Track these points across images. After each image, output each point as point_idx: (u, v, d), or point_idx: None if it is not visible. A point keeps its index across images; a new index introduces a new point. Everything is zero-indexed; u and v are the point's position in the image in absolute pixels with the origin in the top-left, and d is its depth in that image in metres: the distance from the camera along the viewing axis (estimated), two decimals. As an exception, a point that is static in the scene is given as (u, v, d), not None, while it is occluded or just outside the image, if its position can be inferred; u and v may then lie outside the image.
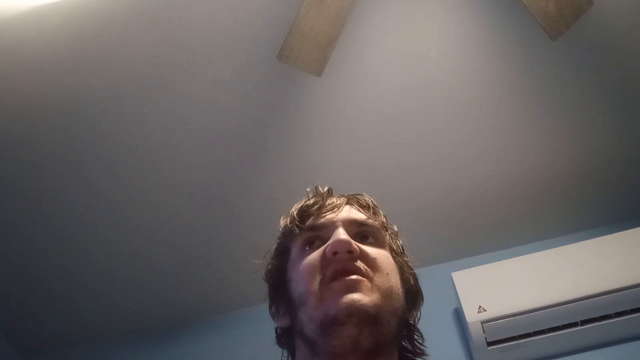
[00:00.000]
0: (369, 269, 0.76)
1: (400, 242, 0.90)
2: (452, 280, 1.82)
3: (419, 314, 0.86)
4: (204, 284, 2.11)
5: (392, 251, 0.85)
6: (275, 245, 0.90)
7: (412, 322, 0.85)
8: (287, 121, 1.84)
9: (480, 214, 2.01)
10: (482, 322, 1.69)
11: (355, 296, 0.72)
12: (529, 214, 2.01)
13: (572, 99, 1.84)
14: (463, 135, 1.89)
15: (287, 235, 0.87)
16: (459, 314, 1.86)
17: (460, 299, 1.76)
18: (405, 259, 0.88)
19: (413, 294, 0.84)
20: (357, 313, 0.71)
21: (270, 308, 0.86)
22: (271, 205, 1.96)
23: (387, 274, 0.78)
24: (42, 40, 1.65)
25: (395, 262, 0.83)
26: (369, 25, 1.70)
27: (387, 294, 0.75)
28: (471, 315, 1.71)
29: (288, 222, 0.87)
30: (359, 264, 0.76)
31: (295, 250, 0.84)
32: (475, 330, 1.70)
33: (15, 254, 2.01)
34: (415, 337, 0.85)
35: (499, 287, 1.75)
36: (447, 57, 1.77)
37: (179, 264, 2.06)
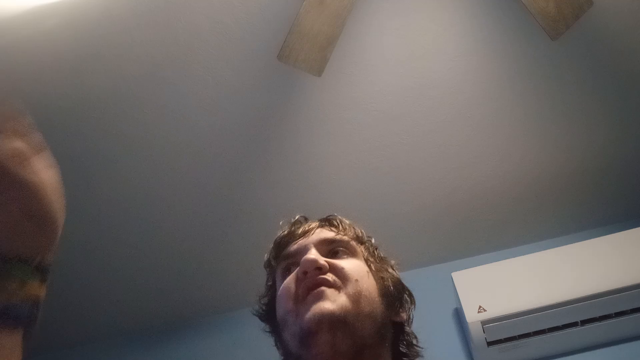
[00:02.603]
0: (337, 279, 0.81)
1: (378, 252, 0.94)
2: (452, 280, 1.82)
3: (411, 315, 0.89)
4: (205, 284, 2.11)
5: (367, 260, 0.89)
6: (266, 281, 0.94)
7: (405, 325, 0.87)
8: (287, 121, 1.84)
9: (480, 214, 2.01)
10: (482, 322, 1.69)
11: (321, 304, 0.77)
12: (529, 214, 2.02)
13: (572, 98, 1.84)
14: (463, 135, 1.89)
15: (269, 270, 0.93)
16: (459, 314, 1.86)
17: (460, 299, 1.76)
18: (384, 265, 0.91)
19: (395, 297, 0.87)
20: (326, 319, 0.75)
21: (275, 343, 0.90)
22: (272, 205, 1.96)
23: (357, 280, 0.82)
24: (42, 40, 1.65)
25: (370, 269, 0.87)
26: (369, 25, 1.70)
27: (355, 298, 0.79)
28: (471, 315, 1.71)
29: (267, 256, 0.93)
30: (328, 276, 0.81)
31: (278, 281, 0.88)
32: (475, 330, 1.70)
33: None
34: (408, 338, 0.87)
35: (499, 287, 1.75)
36: (447, 57, 1.77)
37: (180, 264, 2.07)
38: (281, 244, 0.91)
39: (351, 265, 0.84)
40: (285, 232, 0.93)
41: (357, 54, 1.74)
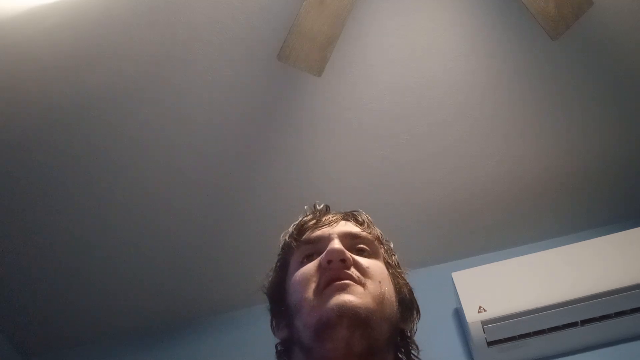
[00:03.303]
0: (361, 277, 0.79)
1: (396, 257, 0.93)
2: (452, 280, 1.82)
3: (415, 327, 0.88)
4: (204, 284, 2.11)
5: (387, 263, 0.88)
6: (276, 261, 0.92)
7: (408, 333, 0.87)
8: (287, 121, 1.84)
9: (480, 214, 2.01)
10: (482, 322, 1.69)
11: (346, 297, 0.75)
12: (528, 214, 2.01)
13: (572, 98, 1.84)
14: (463, 135, 1.89)
15: (285, 250, 0.90)
16: (459, 314, 1.86)
17: (460, 299, 1.76)
18: (400, 271, 0.90)
19: (408, 305, 0.87)
20: (348, 313, 0.73)
21: (271, 323, 0.88)
22: (273, 205, 1.96)
23: (380, 281, 0.80)
24: (42, 40, 1.65)
25: (390, 273, 0.86)
26: (369, 25, 1.70)
27: (379, 300, 0.78)
28: (471, 316, 1.71)
29: (287, 237, 0.91)
30: (352, 271, 0.79)
31: (293, 263, 0.87)
32: (475, 331, 1.70)
33: (16, 253, 2.01)
34: (411, 348, 0.86)
35: (499, 287, 1.75)
36: (447, 57, 1.77)
37: (180, 264, 2.06)
38: (304, 228, 0.89)
39: (375, 265, 0.83)
40: (310, 217, 0.91)
41: (357, 54, 1.74)
